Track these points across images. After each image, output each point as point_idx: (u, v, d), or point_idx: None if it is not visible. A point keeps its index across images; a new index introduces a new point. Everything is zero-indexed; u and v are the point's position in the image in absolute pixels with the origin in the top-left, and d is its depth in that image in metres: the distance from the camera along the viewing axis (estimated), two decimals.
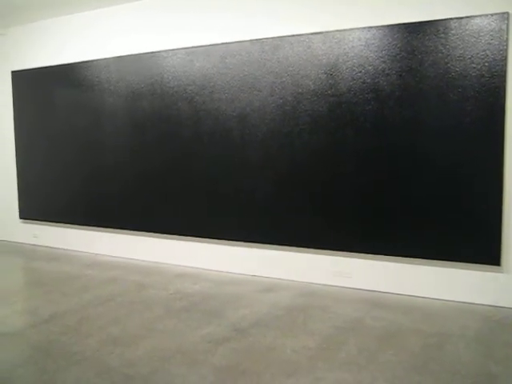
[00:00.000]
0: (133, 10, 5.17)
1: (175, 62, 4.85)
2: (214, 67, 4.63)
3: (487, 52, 3.52)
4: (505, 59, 3.48)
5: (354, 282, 4.14)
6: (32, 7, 5.35)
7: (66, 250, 5.87)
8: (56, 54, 5.75)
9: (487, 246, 3.63)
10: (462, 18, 3.58)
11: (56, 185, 5.83)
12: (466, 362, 2.77)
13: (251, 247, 4.60)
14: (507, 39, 3.46)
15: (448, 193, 3.71)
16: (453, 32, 3.61)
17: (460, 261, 3.73)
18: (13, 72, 6.10)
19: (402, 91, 3.81)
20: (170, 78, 4.87)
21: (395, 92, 3.83)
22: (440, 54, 3.66)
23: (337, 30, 4.03)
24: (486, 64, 3.53)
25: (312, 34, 4.13)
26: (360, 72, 3.95)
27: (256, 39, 4.40)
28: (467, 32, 3.57)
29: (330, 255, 4.23)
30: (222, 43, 4.58)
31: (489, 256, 3.63)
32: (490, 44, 3.51)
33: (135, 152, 5.17)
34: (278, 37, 4.29)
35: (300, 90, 4.20)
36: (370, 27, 3.89)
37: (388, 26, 3.83)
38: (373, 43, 3.90)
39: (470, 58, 3.58)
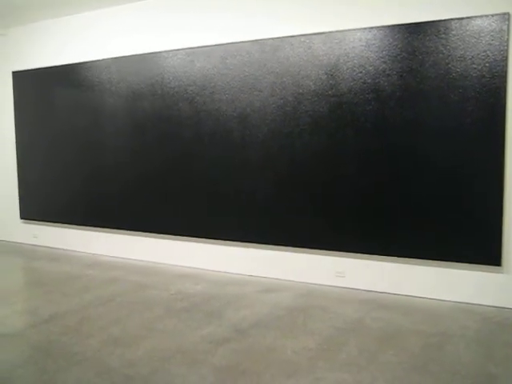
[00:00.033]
0: (133, 11, 5.17)
1: (176, 63, 4.85)
2: (214, 68, 4.63)
3: (488, 52, 3.52)
4: (505, 60, 3.48)
5: (354, 282, 4.14)
6: (33, 7, 5.36)
7: (67, 250, 5.87)
8: (56, 54, 5.75)
9: (487, 246, 3.63)
10: (462, 18, 3.58)
11: (56, 185, 5.84)
12: (466, 362, 2.77)
13: (251, 248, 4.60)
14: (508, 40, 3.46)
15: (448, 193, 3.71)
16: (453, 32, 3.61)
17: (460, 261, 3.73)
18: (13, 72, 6.10)
19: (402, 92, 3.81)
20: (171, 78, 4.87)
21: (396, 92, 3.83)
22: (441, 55, 3.66)
23: (337, 31, 4.03)
24: (487, 64, 3.53)
25: (313, 34, 4.13)
26: (361, 72, 3.95)
27: (256, 40, 4.40)
28: (468, 32, 3.57)
29: (330, 256, 4.23)
30: (223, 44, 4.58)
31: (489, 256, 3.63)
32: (490, 44, 3.51)
33: (136, 152, 5.17)
34: (279, 37, 4.29)
35: (301, 91, 4.20)
36: (371, 28, 3.90)
37: (389, 26, 3.83)
38: (373, 44, 3.90)
39: (470, 59, 3.58)
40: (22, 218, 6.25)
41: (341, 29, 4.02)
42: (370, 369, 2.69)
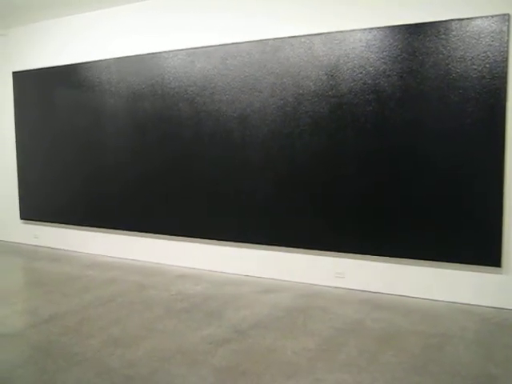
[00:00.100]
0: (134, 11, 5.17)
1: (176, 63, 4.85)
2: (214, 68, 4.63)
3: (488, 53, 3.52)
4: (505, 60, 3.48)
5: (354, 283, 4.14)
6: (33, 8, 5.36)
7: (67, 250, 5.87)
8: (57, 54, 5.75)
9: (487, 247, 3.63)
10: (462, 19, 3.58)
11: (56, 185, 5.84)
12: (466, 363, 2.77)
13: (251, 248, 4.60)
14: (508, 41, 3.47)
15: (449, 194, 3.71)
16: (454, 33, 3.61)
17: (460, 262, 3.73)
18: (14, 73, 6.10)
19: (402, 92, 3.81)
20: (171, 78, 4.88)
21: (396, 93, 3.83)
22: (441, 56, 3.66)
23: (338, 31, 4.03)
24: (487, 65, 3.53)
25: (313, 35, 4.13)
26: (361, 73, 3.96)
27: (257, 40, 4.41)
28: (468, 33, 3.57)
29: (330, 256, 4.23)
30: (223, 44, 4.58)
31: (489, 257, 3.63)
32: (490, 45, 3.51)
33: (136, 153, 5.17)
34: (279, 38, 4.29)
35: (301, 91, 4.21)
36: (371, 28, 3.90)
37: (389, 27, 3.83)
38: (374, 44, 3.90)
39: (470, 60, 3.58)
40: (21, 218, 6.25)
41: (341, 29, 4.02)
42: (369, 369, 2.69)
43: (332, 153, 4.12)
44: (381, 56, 3.88)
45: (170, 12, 4.95)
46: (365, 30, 3.92)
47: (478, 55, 3.55)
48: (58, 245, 5.98)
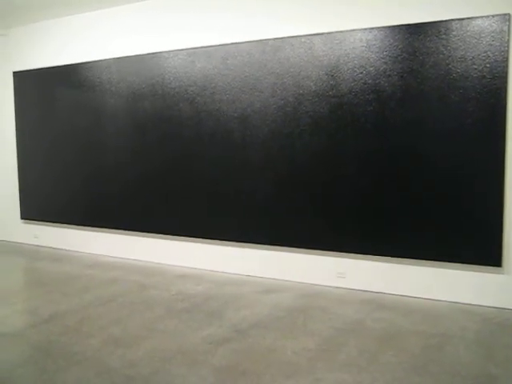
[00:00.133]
0: (134, 11, 5.17)
1: (176, 63, 4.85)
2: (215, 68, 4.63)
3: (488, 53, 3.52)
4: (506, 60, 3.48)
5: (354, 283, 4.14)
6: (33, 8, 5.36)
7: (67, 250, 5.87)
8: (57, 54, 5.76)
9: (488, 247, 3.63)
10: (463, 19, 3.58)
11: (57, 185, 5.84)
12: (466, 363, 2.77)
13: (252, 248, 4.60)
14: (508, 40, 3.46)
15: (449, 194, 3.71)
16: (454, 33, 3.61)
17: (461, 262, 3.73)
18: (14, 73, 6.11)
19: (403, 92, 3.81)
20: (171, 78, 4.88)
21: (396, 93, 3.83)
22: (441, 55, 3.66)
23: (338, 31, 4.03)
24: (488, 65, 3.53)
25: (313, 35, 4.13)
26: (361, 73, 3.95)
27: (257, 40, 4.41)
28: (468, 33, 3.57)
29: (330, 256, 4.23)
30: (223, 44, 4.58)
31: (489, 257, 3.63)
32: (491, 45, 3.51)
33: (136, 152, 5.17)
34: (279, 38, 4.29)
35: (301, 91, 4.20)
36: (371, 28, 3.90)
37: (389, 27, 3.83)
38: (374, 44, 3.90)
39: (471, 60, 3.57)
40: (22, 218, 6.25)
41: (341, 29, 4.02)
42: (369, 369, 2.69)
43: (332, 153, 4.12)
44: (381, 56, 3.88)
45: (170, 12, 4.95)
46: (365, 29, 3.92)
47: (479, 55, 3.55)
48: (59, 245, 5.98)
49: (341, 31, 4.02)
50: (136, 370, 2.70)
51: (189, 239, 4.96)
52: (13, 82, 6.14)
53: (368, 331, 3.25)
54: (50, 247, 6.04)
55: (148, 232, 5.22)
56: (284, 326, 3.37)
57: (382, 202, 3.96)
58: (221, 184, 4.67)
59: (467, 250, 3.68)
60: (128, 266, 5.07)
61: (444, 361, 2.79)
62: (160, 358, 2.86)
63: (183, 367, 2.74)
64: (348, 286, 4.16)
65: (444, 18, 3.65)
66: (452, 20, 3.61)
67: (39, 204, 6.05)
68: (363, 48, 3.94)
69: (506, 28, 3.46)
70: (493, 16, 3.49)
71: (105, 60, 5.32)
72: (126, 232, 5.38)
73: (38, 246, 6.15)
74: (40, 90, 5.87)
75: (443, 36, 3.64)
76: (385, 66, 3.86)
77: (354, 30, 3.96)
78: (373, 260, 4.06)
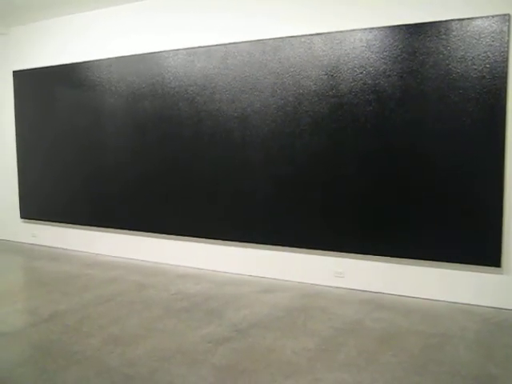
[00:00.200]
0: (134, 11, 5.17)
1: (176, 63, 4.85)
2: (215, 68, 4.63)
3: (488, 53, 3.52)
4: (506, 61, 3.48)
5: (354, 283, 4.14)
6: (33, 7, 5.36)
7: (67, 249, 5.87)
8: (57, 54, 5.75)
9: (487, 247, 3.63)
10: (463, 19, 3.58)
11: (57, 185, 5.84)
12: (466, 363, 2.77)
13: (251, 248, 4.60)
14: (508, 41, 3.47)
15: (448, 194, 3.71)
16: (454, 33, 3.61)
17: (460, 262, 3.73)
18: (14, 72, 6.11)
19: (403, 92, 3.81)
20: (171, 78, 4.88)
21: (396, 93, 3.83)
22: (441, 56, 3.66)
23: (338, 31, 4.03)
24: (487, 65, 3.53)
25: (313, 34, 4.13)
26: (361, 73, 3.96)
27: (257, 40, 4.41)
28: (468, 33, 3.57)
29: (329, 256, 4.23)
30: (223, 44, 4.58)
31: (489, 257, 3.63)
32: (491, 45, 3.51)
33: (136, 152, 5.17)
34: (279, 38, 4.29)
35: (301, 91, 4.21)
36: (371, 28, 3.90)
37: (389, 27, 3.83)
38: (374, 44, 3.90)
39: (471, 60, 3.58)
40: (22, 217, 6.25)
41: (341, 29, 4.02)
42: (369, 369, 2.69)
43: (332, 153, 4.12)
44: (381, 56, 3.88)
45: (170, 12, 4.95)
46: (365, 29, 3.92)
47: (479, 55, 3.55)
48: (59, 244, 5.98)
49: (341, 31, 4.02)
50: (136, 370, 2.70)
51: (188, 239, 4.96)
52: (13, 82, 6.13)
53: (367, 331, 3.25)
54: (50, 246, 6.04)
55: (148, 232, 5.22)
56: (284, 325, 3.37)
57: (382, 202, 3.96)
58: (221, 184, 4.67)
59: (466, 250, 3.69)
60: (128, 266, 5.08)
61: (444, 360, 2.79)
62: (159, 357, 2.86)
63: (183, 366, 2.74)
64: (347, 286, 4.16)
65: (444, 18, 3.65)
66: (452, 20, 3.62)
67: (39, 203, 6.04)
68: (363, 48, 3.94)
69: (505, 28, 3.46)
70: (493, 16, 3.49)
71: (105, 59, 5.31)
72: (127, 232, 5.38)
73: (37, 245, 6.15)
74: (40, 89, 5.87)
75: (443, 36, 3.65)
76: (385, 66, 3.87)
77: (353, 30, 3.97)
78: (372, 260, 4.06)
